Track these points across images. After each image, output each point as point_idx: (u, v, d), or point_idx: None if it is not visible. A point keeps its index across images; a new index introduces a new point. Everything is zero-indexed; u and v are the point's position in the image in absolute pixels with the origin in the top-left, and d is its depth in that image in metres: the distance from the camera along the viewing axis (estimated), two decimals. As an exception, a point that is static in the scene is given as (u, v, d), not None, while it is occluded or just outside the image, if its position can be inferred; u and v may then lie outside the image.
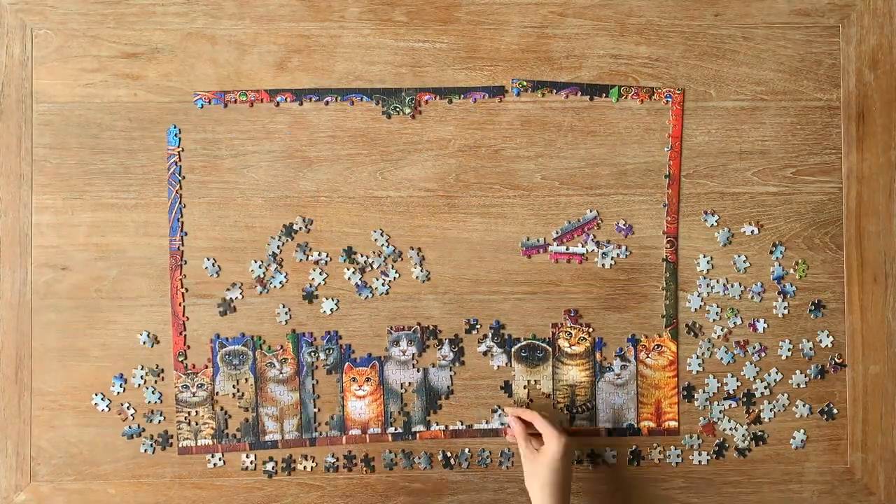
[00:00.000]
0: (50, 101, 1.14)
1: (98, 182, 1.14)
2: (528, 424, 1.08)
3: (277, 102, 1.14)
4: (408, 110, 1.14)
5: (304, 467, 1.13)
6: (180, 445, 1.13)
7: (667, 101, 1.16)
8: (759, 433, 1.15)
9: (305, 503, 1.13)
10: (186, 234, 1.13)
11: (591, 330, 1.15)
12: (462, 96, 1.15)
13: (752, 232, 1.16)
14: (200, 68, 1.14)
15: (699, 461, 1.15)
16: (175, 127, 1.13)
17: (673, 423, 1.15)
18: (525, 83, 1.15)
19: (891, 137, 1.16)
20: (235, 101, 1.14)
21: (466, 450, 1.14)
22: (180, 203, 1.13)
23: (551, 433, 1.04)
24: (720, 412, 1.15)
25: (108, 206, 1.14)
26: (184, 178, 1.13)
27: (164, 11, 1.14)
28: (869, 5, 1.17)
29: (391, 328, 1.15)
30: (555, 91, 1.15)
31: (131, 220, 1.14)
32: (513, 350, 1.15)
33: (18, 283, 1.13)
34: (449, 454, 1.14)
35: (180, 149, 1.13)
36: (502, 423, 1.14)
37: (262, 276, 1.13)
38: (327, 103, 1.14)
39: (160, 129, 1.14)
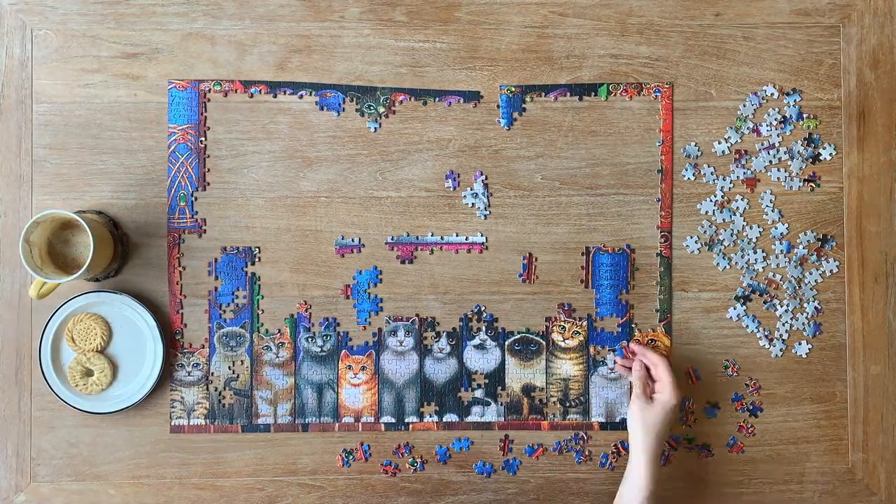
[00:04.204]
0: (50, 101, 1.14)
1: (98, 182, 1.14)
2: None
3: (251, 94, 1.14)
4: (381, 109, 1.14)
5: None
6: (172, 424, 1.13)
7: (656, 95, 1.16)
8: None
9: (306, 503, 1.13)
10: (186, 213, 1.13)
11: (584, 324, 1.15)
12: (437, 99, 1.15)
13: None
14: (200, 68, 1.14)
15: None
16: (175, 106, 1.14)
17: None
18: (513, 88, 1.15)
19: (892, 137, 1.16)
20: (210, 90, 1.14)
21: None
22: (179, 181, 1.14)
23: (671, 384, 1.07)
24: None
25: (108, 207, 1.13)
26: (184, 156, 1.13)
27: (164, 11, 1.14)
28: (869, 5, 1.17)
29: (389, 318, 1.15)
30: (544, 94, 1.15)
31: (131, 220, 1.14)
32: (506, 343, 1.15)
33: (18, 284, 1.13)
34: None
35: (180, 127, 1.13)
36: (618, 353, 1.15)
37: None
38: (301, 97, 1.14)
39: (160, 128, 1.14)
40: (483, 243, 1.15)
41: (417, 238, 1.15)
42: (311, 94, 1.15)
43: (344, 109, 1.15)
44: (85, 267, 1.03)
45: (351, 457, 1.14)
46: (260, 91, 1.14)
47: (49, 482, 1.13)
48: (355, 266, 1.14)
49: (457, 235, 1.15)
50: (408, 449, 1.14)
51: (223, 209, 1.14)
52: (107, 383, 1.12)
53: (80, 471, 1.13)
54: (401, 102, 1.15)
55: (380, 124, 1.15)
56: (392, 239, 1.14)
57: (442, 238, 1.15)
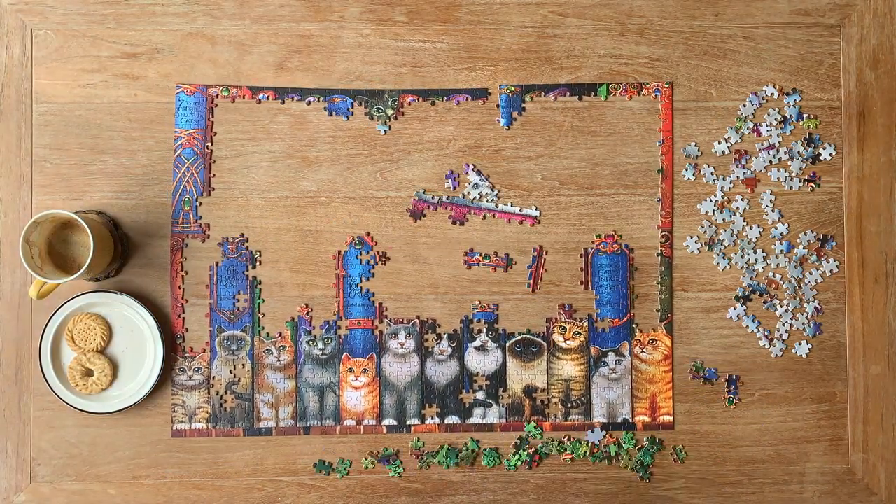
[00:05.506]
0: (50, 101, 1.14)
1: (98, 182, 1.14)
2: None
3: (259, 100, 1.14)
4: (390, 112, 1.14)
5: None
6: (174, 428, 1.13)
7: (656, 95, 1.16)
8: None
9: (306, 503, 1.13)
10: (190, 217, 1.13)
11: (585, 325, 1.15)
12: (445, 98, 1.15)
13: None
14: (200, 68, 1.14)
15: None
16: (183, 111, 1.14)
17: (668, 418, 1.15)
18: (513, 87, 1.15)
19: (892, 137, 1.16)
20: (217, 96, 1.14)
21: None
22: (184, 185, 1.14)
23: None
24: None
25: (108, 207, 1.13)
26: (189, 161, 1.13)
27: (164, 11, 1.14)
28: (869, 5, 1.17)
29: (390, 321, 1.15)
30: (543, 94, 1.15)
31: (132, 220, 1.14)
32: (507, 345, 1.15)
33: (18, 284, 1.13)
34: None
35: (186, 131, 1.13)
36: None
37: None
38: (309, 103, 1.14)
39: (160, 129, 1.14)
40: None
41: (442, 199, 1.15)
42: (318, 101, 1.14)
43: (353, 114, 1.15)
44: (85, 267, 1.03)
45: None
46: (268, 97, 1.14)
47: (49, 482, 1.13)
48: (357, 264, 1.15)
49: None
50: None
51: (223, 209, 1.14)
52: (107, 383, 1.12)
53: (80, 471, 1.13)
54: (409, 104, 1.15)
55: (389, 127, 1.15)
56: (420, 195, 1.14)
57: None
